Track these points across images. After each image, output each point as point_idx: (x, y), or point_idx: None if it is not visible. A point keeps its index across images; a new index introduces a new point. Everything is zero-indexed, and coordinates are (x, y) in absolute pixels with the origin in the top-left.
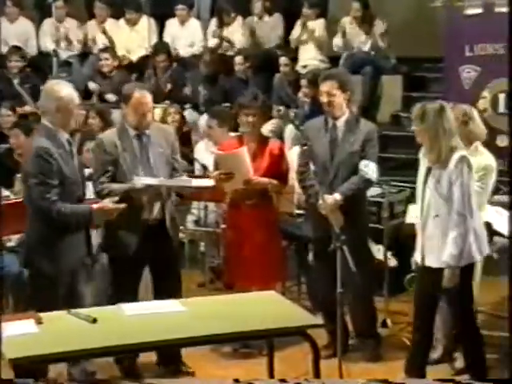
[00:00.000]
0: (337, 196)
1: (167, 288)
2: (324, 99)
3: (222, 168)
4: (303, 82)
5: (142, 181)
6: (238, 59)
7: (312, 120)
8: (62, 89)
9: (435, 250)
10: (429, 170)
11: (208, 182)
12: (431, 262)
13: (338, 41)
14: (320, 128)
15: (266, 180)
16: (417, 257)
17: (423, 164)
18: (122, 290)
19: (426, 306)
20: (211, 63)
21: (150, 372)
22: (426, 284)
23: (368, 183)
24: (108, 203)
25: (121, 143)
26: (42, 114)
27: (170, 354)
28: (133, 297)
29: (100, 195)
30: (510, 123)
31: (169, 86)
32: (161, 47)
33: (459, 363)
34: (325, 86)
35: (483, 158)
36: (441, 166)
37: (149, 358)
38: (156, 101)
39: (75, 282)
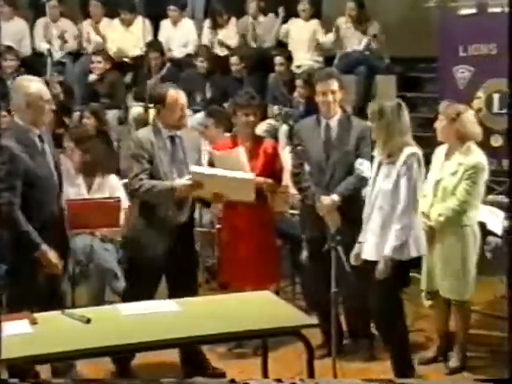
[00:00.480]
0: (334, 197)
1: (184, 291)
2: (324, 98)
3: (219, 167)
4: (298, 82)
5: (198, 170)
6: (234, 59)
7: (304, 120)
8: (31, 84)
9: (374, 242)
10: (379, 165)
11: (250, 175)
12: (368, 255)
13: (328, 39)
14: (313, 128)
15: (261, 179)
16: (357, 249)
17: (375, 159)
18: (140, 295)
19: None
20: (207, 62)
21: (173, 372)
22: (359, 276)
23: (364, 182)
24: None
25: (157, 142)
26: (13, 111)
27: (193, 353)
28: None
29: (137, 192)
30: (510, 123)
31: None
32: (154, 45)
33: (453, 362)
34: (327, 85)
35: (473, 157)
36: (391, 160)
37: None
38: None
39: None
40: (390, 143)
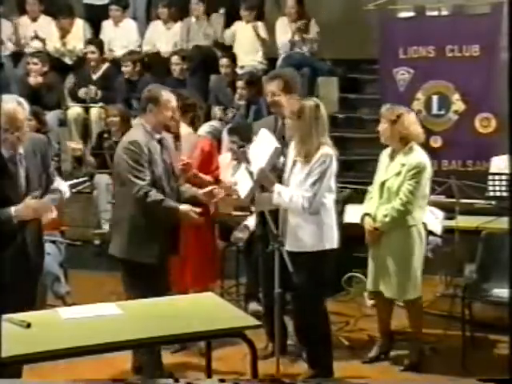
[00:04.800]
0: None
1: None
2: (269, 99)
3: None
4: (240, 83)
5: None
6: (174, 59)
7: (264, 119)
8: (5, 106)
9: (292, 234)
10: (294, 163)
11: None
12: (289, 246)
13: (283, 40)
14: (270, 128)
15: (206, 177)
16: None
17: (290, 156)
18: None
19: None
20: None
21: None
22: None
23: None
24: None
25: (150, 145)
26: None
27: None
28: None
29: (144, 201)
30: (510, 125)
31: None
32: (93, 42)
33: (408, 359)
34: (269, 86)
35: (415, 157)
36: (307, 160)
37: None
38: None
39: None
40: (307, 143)
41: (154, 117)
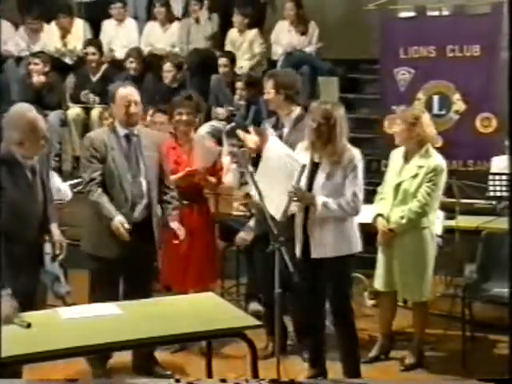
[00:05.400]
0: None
1: (137, 290)
2: (265, 97)
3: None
4: (239, 84)
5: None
6: (167, 66)
7: (268, 119)
8: (27, 114)
9: (329, 240)
10: (315, 165)
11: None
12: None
13: (277, 48)
14: (271, 127)
15: (211, 178)
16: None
17: (305, 157)
18: (102, 295)
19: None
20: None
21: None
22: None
23: None
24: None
25: (110, 141)
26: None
27: (144, 355)
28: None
29: (88, 196)
30: (510, 125)
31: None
32: (92, 42)
33: (409, 359)
34: (264, 85)
35: (433, 160)
36: (334, 160)
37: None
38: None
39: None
40: (335, 145)
41: (115, 113)
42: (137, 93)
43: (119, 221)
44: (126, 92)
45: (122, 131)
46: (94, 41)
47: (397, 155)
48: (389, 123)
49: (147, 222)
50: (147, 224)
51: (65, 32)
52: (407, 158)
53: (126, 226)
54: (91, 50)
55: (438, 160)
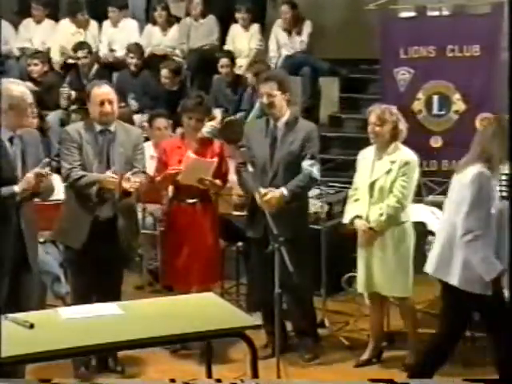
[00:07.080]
0: (284, 191)
1: (105, 289)
2: (264, 100)
3: (187, 168)
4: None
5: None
6: (164, 73)
7: (256, 121)
8: (15, 87)
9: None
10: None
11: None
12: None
13: (272, 46)
14: (261, 129)
15: (216, 181)
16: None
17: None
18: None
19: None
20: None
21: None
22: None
23: (313, 182)
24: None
25: (85, 135)
26: None
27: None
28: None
29: (73, 183)
30: (510, 125)
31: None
32: (82, 45)
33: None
34: (264, 88)
35: (405, 153)
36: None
37: None
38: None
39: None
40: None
41: (90, 111)
42: (112, 92)
43: (105, 175)
44: (101, 91)
45: (97, 127)
46: (85, 44)
47: (367, 154)
48: None
49: (113, 218)
50: (113, 221)
51: (81, 29)
52: (379, 155)
53: (116, 176)
54: (82, 53)
55: (409, 153)
